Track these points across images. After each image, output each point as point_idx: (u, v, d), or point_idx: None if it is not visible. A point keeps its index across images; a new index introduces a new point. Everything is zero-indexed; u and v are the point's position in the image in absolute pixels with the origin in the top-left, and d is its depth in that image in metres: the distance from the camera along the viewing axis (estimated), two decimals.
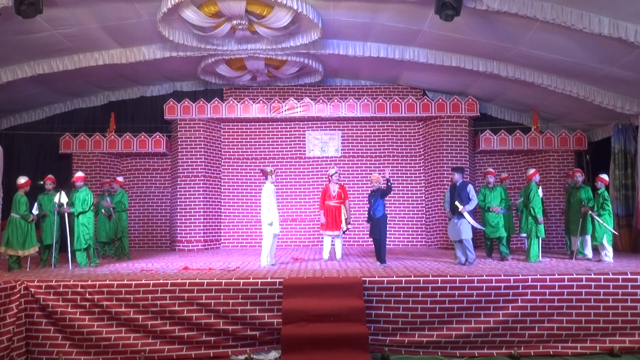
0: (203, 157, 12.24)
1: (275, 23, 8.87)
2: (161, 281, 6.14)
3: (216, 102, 12.20)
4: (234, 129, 12.87)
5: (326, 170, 11.48)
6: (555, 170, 11.97)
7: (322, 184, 11.10)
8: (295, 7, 8.25)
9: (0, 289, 5.71)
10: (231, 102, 12.20)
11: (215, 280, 6.15)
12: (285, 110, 12.10)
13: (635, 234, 10.13)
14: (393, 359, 5.81)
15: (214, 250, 11.80)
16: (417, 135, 12.76)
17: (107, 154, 12.33)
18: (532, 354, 5.94)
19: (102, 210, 9.71)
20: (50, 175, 8.85)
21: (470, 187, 7.84)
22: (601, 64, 8.71)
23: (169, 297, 6.05)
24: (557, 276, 6.19)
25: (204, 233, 12.10)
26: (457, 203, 7.77)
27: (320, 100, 12.17)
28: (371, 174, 12.43)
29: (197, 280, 6.14)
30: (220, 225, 12.69)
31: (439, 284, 6.09)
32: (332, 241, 9.26)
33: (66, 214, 8.25)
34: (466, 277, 6.15)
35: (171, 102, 12.18)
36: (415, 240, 12.38)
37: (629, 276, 6.16)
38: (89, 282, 6.13)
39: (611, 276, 6.17)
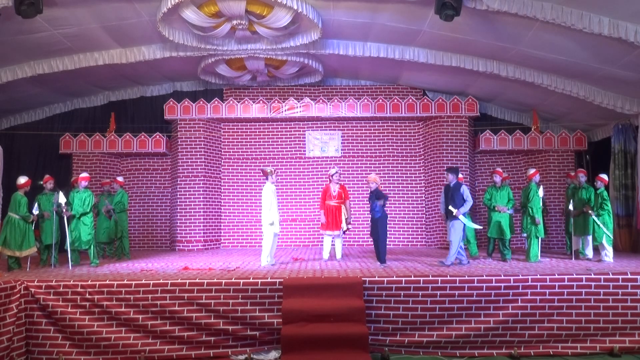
0: (203, 157, 12.24)
1: (275, 23, 8.87)
2: (161, 281, 6.14)
3: (216, 102, 12.20)
4: (234, 129, 12.87)
5: (326, 170, 11.50)
6: (555, 170, 11.97)
7: (322, 184, 11.11)
8: (295, 7, 8.25)
9: (0, 289, 5.71)
10: (231, 102, 12.20)
11: (215, 280, 6.14)
12: (285, 110, 12.10)
13: (635, 234, 10.13)
14: (393, 359, 5.80)
15: (214, 250, 11.80)
16: (417, 135, 12.76)
17: (107, 154, 12.33)
18: (532, 354, 5.94)
19: (103, 210, 9.72)
20: (48, 175, 8.81)
21: (464, 188, 7.78)
22: (601, 64, 8.71)
23: (169, 297, 6.05)
24: (557, 276, 6.19)
25: (204, 233, 12.10)
26: (450, 208, 7.76)
27: (320, 100, 12.17)
28: (371, 173, 12.51)
29: (197, 280, 6.14)
30: (220, 225, 12.70)
31: (439, 284, 6.09)
32: (332, 241, 9.26)
33: (65, 215, 8.25)
34: (466, 277, 6.15)
35: (171, 102, 12.18)
36: (415, 240, 12.38)
37: (629, 276, 6.16)
38: (89, 282, 6.13)
39: (611, 276, 6.17)
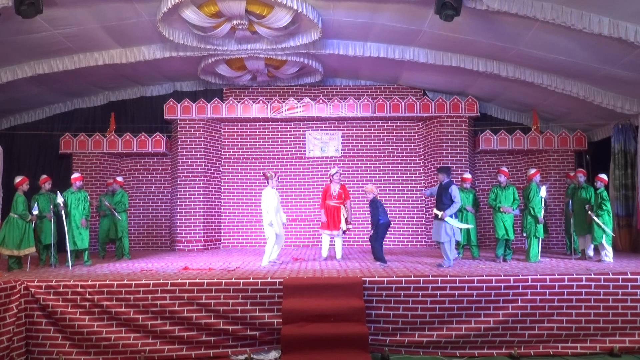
0: (203, 157, 12.25)
1: (275, 23, 8.87)
2: (161, 281, 6.14)
3: (216, 102, 12.20)
4: (234, 129, 12.87)
5: (326, 170, 11.51)
6: (555, 170, 11.97)
7: (322, 184, 11.11)
8: (295, 7, 8.25)
9: (0, 289, 5.71)
10: (231, 102, 12.20)
11: (215, 280, 6.15)
12: (285, 110, 12.10)
13: (635, 234, 10.13)
14: (393, 359, 5.81)
15: (214, 250, 11.80)
16: (417, 135, 12.76)
17: (107, 154, 12.34)
18: (532, 354, 5.94)
19: (105, 210, 9.77)
20: (46, 176, 8.74)
21: (452, 188, 7.70)
22: (601, 64, 8.71)
23: (169, 297, 6.05)
24: (557, 276, 6.19)
25: (204, 233, 12.10)
26: (435, 210, 7.78)
27: (320, 100, 12.17)
28: (371, 174, 12.54)
29: (197, 280, 6.14)
30: (220, 225, 12.70)
31: (439, 284, 6.09)
32: (331, 240, 9.25)
33: (63, 214, 8.26)
34: (466, 277, 6.16)
35: (171, 102, 12.18)
36: (415, 240, 12.37)
37: (629, 276, 6.16)
38: (89, 282, 6.13)
39: (611, 276, 6.17)
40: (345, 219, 9.04)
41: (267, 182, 8.35)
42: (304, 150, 12.79)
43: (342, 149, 12.77)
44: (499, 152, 12.40)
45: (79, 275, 6.75)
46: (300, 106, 12.10)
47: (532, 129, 11.95)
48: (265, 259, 8.15)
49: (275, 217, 8.15)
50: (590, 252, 8.61)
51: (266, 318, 6.00)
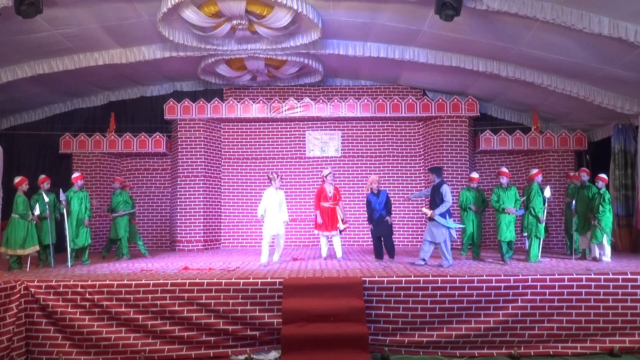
0: (203, 157, 12.25)
1: (275, 23, 8.87)
2: (161, 281, 6.14)
3: (216, 102, 12.20)
4: (234, 129, 12.88)
5: None
6: (555, 170, 11.97)
7: None
8: (295, 7, 8.25)
9: (0, 289, 5.71)
10: (231, 102, 12.20)
11: (215, 280, 6.14)
12: (285, 110, 12.10)
13: (635, 234, 10.13)
14: (393, 359, 5.81)
15: (214, 250, 11.80)
16: (417, 135, 12.76)
17: (107, 154, 12.34)
18: (532, 354, 5.94)
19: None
20: (44, 176, 8.69)
21: (443, 188, 7.72)
22: (601, 64, 8.71)
23: (169, 297, 6.05)
24: (557, 276, 6.19)
25: (204, 233, 12.10)
26: (424, 209, 7.84)
27: (320, 100, 12.17)
28: (371, 174, 12.51)
29: (197, 280, 6.14)
30: (220, 225, 12.70)
31: (439, 284, 6.09)
32: (329, 240, 9.26)
33: (65, 213, 8.28)
34: (466, 277, 6.15)
35: (171, 102, 12.18)
36: (415, 240, 12.37)
37: (629, 276, 6.16)
38: (89, 282, 6.13)
39: (611, 276, 6.17)
40: (342, 219, 9.07)
41: (271, 183, 8.53)
42: (304, 150, 12.79)
43: (342, 149, 12.78)
44: (499, 152, 12.40)
45: (79, 275, 6.75)
46: (300, 106, 12.10)
47: (532, 129, 11.95)
48: (263, 257, 8.28)
49: (273, 216, 8.30)
50: (596, 252, 8.52)
51: (266, 318, 6.00)
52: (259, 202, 8.59)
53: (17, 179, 8.12)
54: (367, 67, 11.72)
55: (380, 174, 12.55)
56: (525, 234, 8.50)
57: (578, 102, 10.33)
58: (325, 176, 9.16)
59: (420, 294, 6.06)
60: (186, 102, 12.16)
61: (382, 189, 8.86)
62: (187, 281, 6.12)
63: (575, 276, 6.18)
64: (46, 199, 8.13)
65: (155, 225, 12.75)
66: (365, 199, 8.68)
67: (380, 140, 12.74)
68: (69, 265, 8.09)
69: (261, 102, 12.17)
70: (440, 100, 12.04)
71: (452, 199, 8.01)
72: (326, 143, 12.80)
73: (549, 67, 9.56)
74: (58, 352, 5.89)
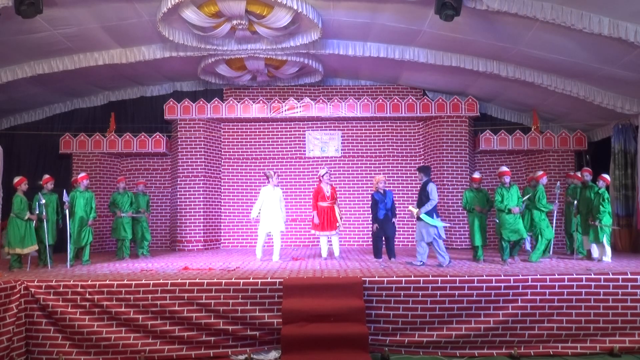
0: (203, 157, 12.25)
1: (275, 23, 8.87)
2: (161, 281, 6.14)
3: (216, 102, 12.20)
4: (234, 129, 12.88)
5: None
6: (555, 170, 11.96)
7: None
8: (295, 7, 8.25)
9: (0, 289, 5.71)
10: (231, 102, 12.20)
11: (215, 280, 6.14)
12: (285, 110, 12.10)
13: (635, 234, 10.13)
14: (393, 359, 5.80)
15: (214, 250, 11.80)
16: (417, 135, 12.76)
17: (107, 154, 12.34)
18: (532, 354, 5.94)
19: (140, 210, 9.99)
20: (48, 176, 8.72)
21: (429, 186, 7.74)
22: (601, 64, 8.71)
23: (169, 297, 6.05)
24: (557, 276, 6.19)
25: (204, 233, 12.10)
26: (410, 208, 7.91)
27: (320, 100, 12.17)
28: (371, 174, 12.54)
29: (197, 280, 6.14)
30: (220, 225, 12.70)
31: (439, 284, 6.09)
32: (329, 239, 9.27)
33: (67, 213, 8.28)
34: (466, 277, 6.15)
35: (171, 102, 12.18)
36: (415, 240, 12.35)
37: (629, 276, 6.16)
38: (89, 282, 6.13)
39: (611, 276, 6.17)
40: (340, 217, 9.14)
41: (268, 181, 8.75)
42: (304, 150, 12.79)
43: (342, 149, 12.78)
44: (499, 152, 12.40)
45: (79, 275, 6.75)
46: (300, 106, 12.10)
47: (532, 129, 11.95)
48: (258, 252, 8.88)
49: (270, 213, 8.60)
50: (595, 253, 8.52)
51: (266, 318, 6.00)
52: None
53: (16, 179, 8.15)
54: (367, 67, 11.72)
55: (380, 174, 12.55)
56: (530, 235, 8.52)
57: (578, 102, 10.33)
58: (322, 176, 9.18)
59: (420, 294, 6.06)
60: (186, 102, 12.16)
61: (389, 189, 8.86)
62: (187, 281, 6.12)
63: (575, 276, 6.18)
64: (42, 201, 8.10)
65: (155, 225, 12.74)
66: (370, 198, 8.69)
67: (380, 140, 12.74)
68: (69, 266, 8.09)
69: (261, 102, 12.17)
70: (440, 100, 12.04)
71: (438, 198, 7.99)
72: (326, 143, 12.80)
73: (549, 67, 9.56)
74: (58, 352, 5.89)
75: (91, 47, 9.84)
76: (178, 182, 12.19)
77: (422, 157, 12.66)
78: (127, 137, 12.13)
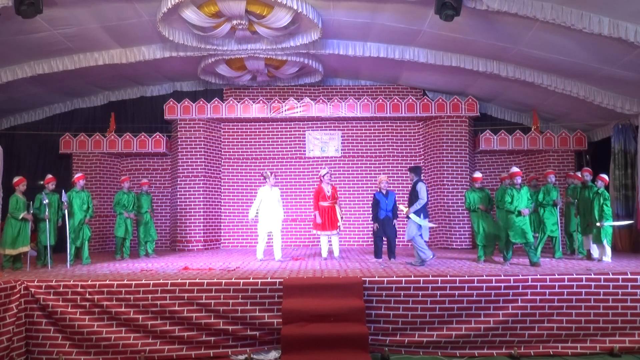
0: (203, 157, 12.25)
1: (275, 23, 8.87)
2: (161, 281, 6.14)
3: (216, 102, 12.20)
4: (234, 129, 12.88)
5: None
6: (555, 170, 11.92)
7: None
8: (295, 7, 8.25)
9: (0, 289, 5.71)
10: (231, 102, 12.20)
11: (215, 280, 6.14)
12: (285, 110, 12.10)
13: (635, 234, 10.13)
14: (393, 359, 5.80)
15: (214, 250, 11.80)
16: (417, 135, 12.76)
17: (107, 154, 12.34)
18: (532, 354, 5.94)
19: (148, 210, 10.11)
20: (51, 176, 8.69)
21: (419, 186, 7.77)
22: (601, 64, 8.71)
23: (169, 297, 6.05)
24: (557, 276, 6.18)
25: (204, 233, 12.10)
26: (401, 207, 8.03)
27: (320, 100, 12.17)
28: (371, 174, 12.55)
29: (197, 280, 6.14)
30: (220, 225, 12.70)
31: (439, 284, 6.08)
32: (329, 239, 9.28)
33: (66, 213, 8.28)
34: (466, 277, 6.15)
35: (171, 102, 12.18)
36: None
37: (629, 276, 6.16)
38: (89, 282, 6.12)
39: (611, 276, 6.17)
40: (341, 217, 9.18)
41: (265, 181, 8.90)
42: (304, 150, 12.79)
43: (342, 149, 12.78)
44: (499, 152, 12.40)
45: (79, 275, 6.75)
46: (300, 106, 12.10)
47: (532, 129, 11.95)
48: (259, 252, 8.95)
49: (268, 213, 8.72)
50: (595, 253, 8.51)
51: (266, 318, 6.00)
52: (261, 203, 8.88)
53: (15, 179, 8.12)
54: (367, 67, 11.72)
55: (380, 174, 12.55)
56: (537, 234, 8.65)
57: (578, 102, 10.33)
58: (323, 176, 9.20)
59: (420, 294, 6.06)
60: (186, 102, 12.16)
61: (391, 189, 8.85)
62: (187, 281, 6.12)
63: (575, 276, 6.17)
64: (45, 200, 8.11)
65: (155, 225, 12.61)
66: (372, 198, 8.74)
67: (380, 140, 12.74)
68: (69, 265, 8.09)
69: (261, 102, 12.17)
70: (440, 100, 12.04)
71: (428, 198, 7.98)
72: (326, 143, 12.80)
73: (549, 67, 9.56)
74: (58, 352, 5.89)
75: (91, 47, 9.84)
76: (178, 182, 12.19)
77: (422, 157, 12.66)
78: (127, 137, 12.13)
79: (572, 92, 9.96)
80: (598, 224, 8.21)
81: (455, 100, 11.99)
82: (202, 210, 12.11)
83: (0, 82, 9.89)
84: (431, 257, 7.68)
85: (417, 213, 7.75)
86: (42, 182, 8.64)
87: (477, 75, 10.77)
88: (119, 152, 12.22)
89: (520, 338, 6.00)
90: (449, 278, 6.14)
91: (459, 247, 11.64)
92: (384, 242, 8.76)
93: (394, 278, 6.14)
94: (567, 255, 9.35)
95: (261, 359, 5.80)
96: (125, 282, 6.13)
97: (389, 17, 8.85)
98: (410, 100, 12.10)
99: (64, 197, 8.26)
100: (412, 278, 6.13)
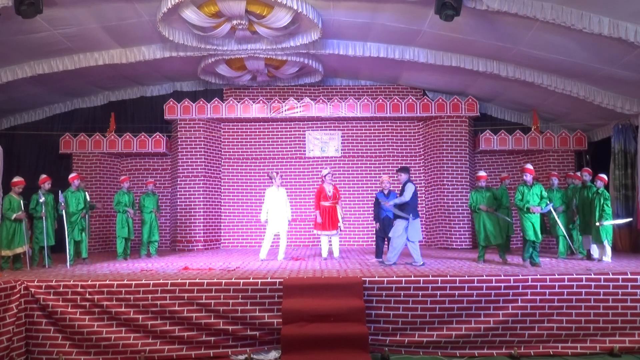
0: (203, 157, 12.25)
1: (275, 23, 8.87)
2: (161, 281, 6.14)
3: (216, 102, 12.20)
4: (234, 129, 12.88)
5: None
6: (555, 170, 11.96)
7: None
8: (295, 7, 8.25)
9: (0, 289, 5.70)
10: (231, 102, 12.20)
11: (215, 280, 6.14)
12: (285, 110, 12.10)
13: (635, 234, 10.13)
14: (393, 359, 5.80)
15: (214, 250, 11.80)
16: (417, 135, 12.76)
17: (107, 154, 12.34)
18: (532, 354, 5.93)
19: (153, 210, 10.11)
20: (45, 176, 8.59)
21: (407, 186, 7.80)
22: (601, 64, 8.71)
23: (169, 297, 6.05)
24: (557, 276, 6.18)
25: (204, 233, 12.10)
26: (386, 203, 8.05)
27: (320, 100, 12.17)
28: (371, 174, 12.55)
29: (197, 280, 6.13)
30: (220, 225, 12.70)
31: (439, 284, 6.08)
32: (329, 240, 9.28)
33: (64, 213, 8.28)
34: (466, 277, 6.15)
35: (171, 102, 12.18)
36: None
37: (629, 276, 6.16)
38: (89, 282, 6.12)
39: (611, 276, 6.17)
40: (342, 218, 9.16)
41: (272, 182, 9.01)
42: (304, 150, 12.79)
43: (342, 149, 12.78)
44: (499, 152, 12.40)
45: (79, 275, 6.75)
46: (300, 106, 12.10)
47: (532, 129, 11.95)
48: (263, 252, 8.94)
49: (276, 214, 8.75)
50: (595, 253, 8.51)
51: (266, 318, 6.00)
52: (260, 203, 8.94)
53: (15, 179, 8.08)
54: (367, 67, 11.72)
55: (380, 174, 12.55)
56: (552, 234, 8.91)
57: (578, 102, 10.33)
58: (324, 176, 9.21)
59: (420, 294, 6.06)
60: (186, 102, 12.16)
61: (393, 190, 8.82)
62: (187, 281, 6.12)
63: (575, 276, 6.17)
64: (41, 199, 8.09)
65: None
66: (374, 198, 8.76)
67: (380, 140, 12.75)
68: (69, 265, 8.09)
69: (261, 102, 12.17)
70: (440, 100, 12.04)
71: (415, 199, 7.94)
72: (326, 143, 12.80)
73: (549, 67, 9.56)
74: (58, 352, 5.89)
75: (91, 47, 9.84)
76: (178, 182, 12.19)
77: (422, 157, 12.66)
78: (127, 137, 12.14)
79: (572, 92, 9.96)
80: (597, 223, 8.21)
81: (455, 100, 11.99)
82: (202, 210, 12.11)
83: (0, 82, 9.89)
84: (392, 263, 7.73)
85: (407, 212, 7.73)
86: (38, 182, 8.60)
87: (477, 75, 10.77)
88: (119, 152, 12.22)
89: (520, 338, 5.99)
90: (449, 278, 6.14)
91: (459, 247, 11.64)
92: (385, 243, 8.75)
93: (394, 278, 6.14)
94: (567, 255, 9.32)
95: (261, 359, 5.80)
96: (125, 282, 6.13)
97: (389, 17, 8.85)
98: (410, 100, 12.10)
99: (61, 198, 8.25)
100: (412, 278, 6.13)
